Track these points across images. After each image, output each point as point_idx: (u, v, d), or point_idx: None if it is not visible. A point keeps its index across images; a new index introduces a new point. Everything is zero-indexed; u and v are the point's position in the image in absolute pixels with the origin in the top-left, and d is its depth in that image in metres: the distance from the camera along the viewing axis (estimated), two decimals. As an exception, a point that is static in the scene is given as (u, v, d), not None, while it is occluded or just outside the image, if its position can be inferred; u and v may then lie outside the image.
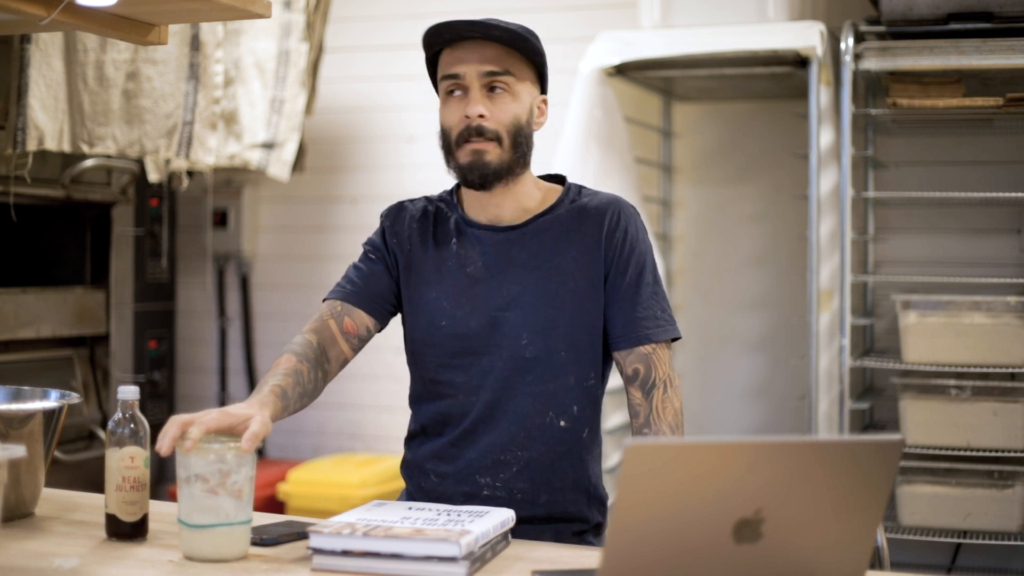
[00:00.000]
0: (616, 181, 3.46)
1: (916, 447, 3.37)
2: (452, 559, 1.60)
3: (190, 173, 4.01)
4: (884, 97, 3.50)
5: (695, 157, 4.12)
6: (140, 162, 3.87)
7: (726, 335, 4.07)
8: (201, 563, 1.66)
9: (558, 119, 3.50)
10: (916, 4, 3.24)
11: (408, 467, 2.10)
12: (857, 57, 3.31)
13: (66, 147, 3.23)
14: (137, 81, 3.37)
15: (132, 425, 1.78)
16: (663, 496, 1.32)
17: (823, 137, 3.38)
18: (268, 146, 3.92)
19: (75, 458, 3.77)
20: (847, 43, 3.29)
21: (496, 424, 1.99)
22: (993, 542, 3.37)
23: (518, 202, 2.04)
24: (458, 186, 2.09)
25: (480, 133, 1.96)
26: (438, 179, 2.15)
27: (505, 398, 1.99)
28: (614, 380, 2.13)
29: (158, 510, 1.91)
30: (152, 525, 1.82)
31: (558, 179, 2.13)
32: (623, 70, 3.57)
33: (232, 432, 1.71)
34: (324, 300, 2.08)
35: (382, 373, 4.20)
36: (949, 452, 3.34)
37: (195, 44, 3.54)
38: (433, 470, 2.03)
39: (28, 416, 1.90)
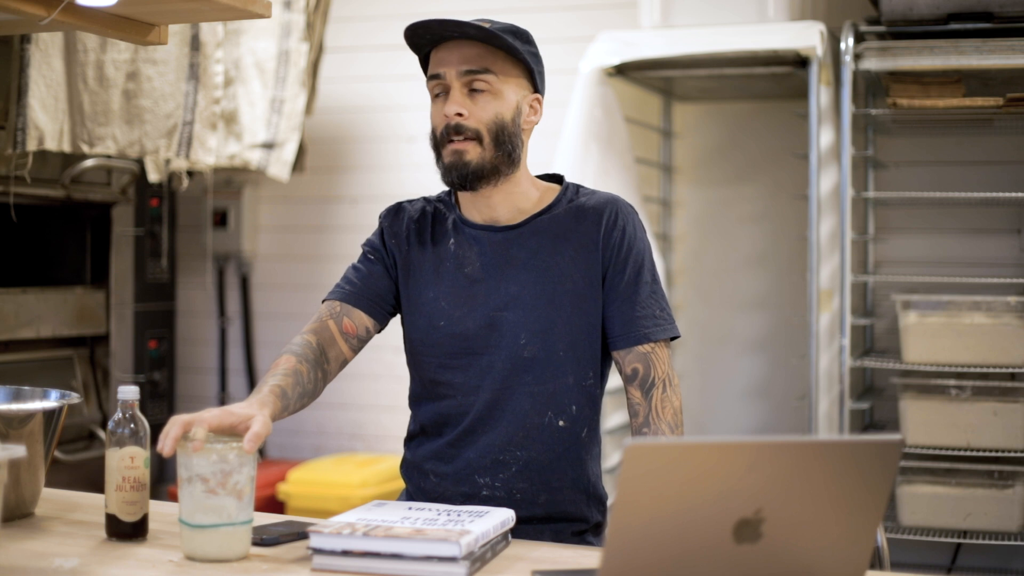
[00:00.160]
0: (616, 181, 3.46)
1: (916, 447, 3.37)
2: (452, 559, 1.60)
3: (190, 173, 4.01)
4: (884, 97, 3.50)
5: (695, 157, 4.12)
6: (140, 162, 3.87)
7: (726, 335, 4.08)
8: (202, 563, 1.66)
9: (558, 119, 3.50)
10: (916, 4, 3.24)
11: (407, 467, 2.10)
12: (857, 57, 3.31)
13: (66, 147, 3.23)
14: (137, 81, 3.37)
15: (132, 425, 1.78)
16: (663, 496, 1.32)
17: (823, 137, 3.38)
18: (268, 146, 3.92)
19: (75, 458, 3.77)
20: (847, 43, 3.29)
21: (495, 424, 1.99)
22: (993, 542, 3.37)
23: (513, 202, 2.04)
24: None
25: (459, 132, 1.96)
26: (438, 179, 2.15)
27: (504, 398, 1.99)
28: (614, 380, 2.13)
29: (158, 510, 1.91)
30: (152, 525, 1.82)
31: (556, 179, 2.13)
32: (623, 70, 3.57)
33: (233, 432, 1.71)
34: (323, 301, 2.08)
35: (382, 373, 4.20)
36: (949, 452, 3.34)
37: (195, 44, 3.54)
38: (432, 470, 2.03)
39: (28, 416, 1.90)
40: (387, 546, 1.62)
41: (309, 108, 4.05)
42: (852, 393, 3.48)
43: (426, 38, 2.00)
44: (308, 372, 1.96)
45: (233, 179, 4.42)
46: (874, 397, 3.73)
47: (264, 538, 1.76)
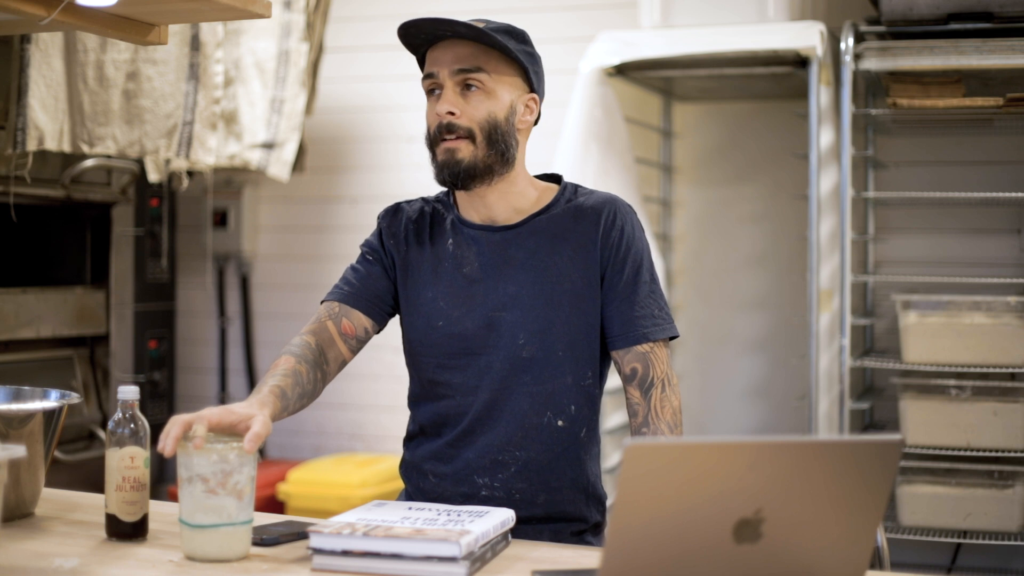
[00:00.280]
0: (616, 181, 3.46)
1: (916, 447, 3.37)
2: (452, 559, 1.60)
3: (190, 173, 4.01)
4: (884, 97, 3.50)
5: (695, 157, 4.12)
6: (140, 162, 3.87)
7: (726, 335, 4.08)
8: (202, 563, 1.66)
9: (558, 119, 3.50)
10: (916, 4, 3.24)
11: (406, 468, 2.10)
12: (857, 57, 3.31)
13: (66, 147, 3.23)
14: (137, 81, 3.37)
15: (132, 425, 1.78)
16: (663, 496, 1.32)
17: (823, 137, 3.38)
18: (268, 146, 3.92)
19: (75, 458, 3.77)
20: (847, 43, 3.29)
21: (494, 424, 1.99)
22: (993, 542, 3.37)
23: (511, 202, 2.04)
24: None
25: (451, 131, 1.96)
26: (436, 179, 2.15)
27: (503, 398, 1.99)
28: (613, 380, 2.13)
29: (158, 510, 1.91)
30: (152, 525, 1.82)
31: (555, 178, 2.13)
32: (623, 70, 3.57)
33: (233, 431, 1.71)
34: (322, 302, 2.08)
35: (382, 373, 4.20)
36: (949, 452, 3.34)
37: (195, 44, 3.54)
38: (431, 471, 2.03)
39: (28, 416, 1.90)
40: (387, 546, 1.62)
41: (309, 108, 4.05)
42: (852, 393, 3.48)
43: (420, 37, 2.00)
44: (307, 373, 1.96)
45: (233, 179, 4.42)
46: (874, 397, 3.73)
47: (264, 538, 1.76)
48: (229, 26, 3.80)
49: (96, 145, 3.30)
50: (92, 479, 3.14)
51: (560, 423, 1.99)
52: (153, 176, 3.83)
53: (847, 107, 3.33)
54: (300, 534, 1.79)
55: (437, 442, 2.04)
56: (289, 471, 4.03)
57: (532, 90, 2.03)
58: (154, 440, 1.72)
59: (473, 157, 1.97)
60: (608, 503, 2.32)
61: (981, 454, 3.32)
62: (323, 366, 2.00)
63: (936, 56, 3.24)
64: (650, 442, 1.36)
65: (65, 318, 3.85)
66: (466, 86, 1.97)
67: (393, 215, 2.11)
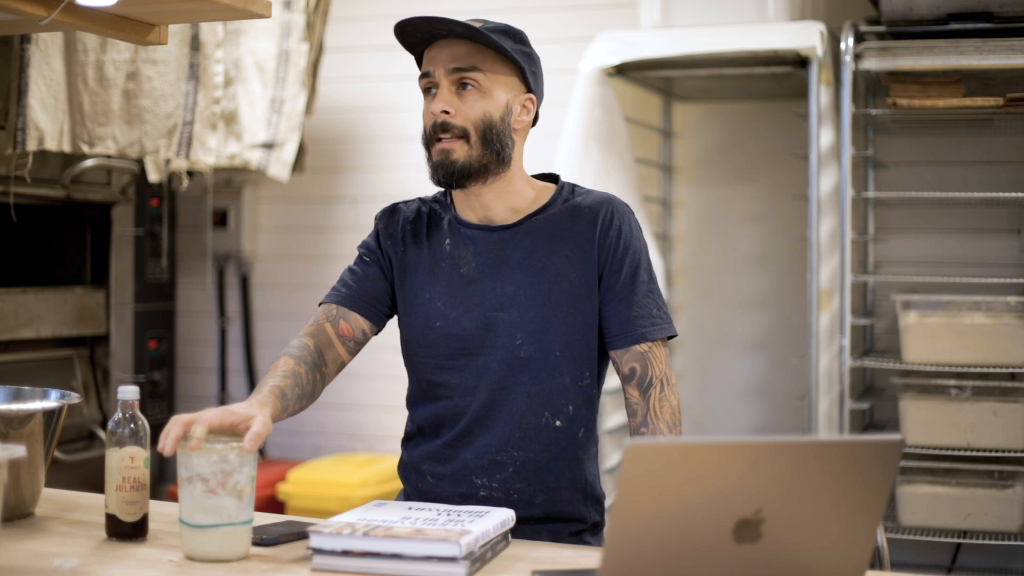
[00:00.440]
0: (616, 181, 3.46)
1: (916, 447, 3.37)
2: (452, 559, 1.60)
3: (190, 173, 4.01)
4: (884, 97, 3.50)
5: (695, 157, 4.12)
6: (140, 162, 3.87)
7: (726, 335, 4.08)
8: (202, 563, 1.66)
9: (558, 119, 3.50)
10: (916, 4, 3.24)
11: (405, 468, 2.10)
12: (857, 57, 3.31)
13: (66, 147, 3.23)
14: (137, 81, 3.37)
15: (132, 425, 1.78)
16: (663, 496, 1.32)
17: (823, 137, 3.38)
18: (268, 146, 3.92)
19: (75, 458, 3.77)
20: (847, 43, 3.29)
21: (492, 425, 1.99)
22: (993, 542, 3.37)
23: (508, 201, 2.04)
24: None
25: (445, 129, 1.96)
26: (436, 179, 2.15)
27: (501, 398, 1.99)
28: (612, 380, 2.13)
29: (158, 510, 1.91)
30: (152, 525, 1.82)
31: (552, 178, 2.13)
32: (623, 70, 3.57)
33: (233, 431, 1.71)
34: (320, 304, 2.08)
35: (382, 373, 4.20)
36: (949, 452, 3.34)
37: (195, 44, 3.54)
38: (429, 471, 2.03)
39: (28, 416, 1.90)
40: (387, 546, 1.62)
41: (309, 108, 4.05)
42: (852, 393, 3.48)
43: (417, 36, 2.00)
44: (306, 374, 1.96)
45: (233, 179, 4.42)
46: (874, 397, 3.73)
47: (264, 538, 1.76)
48: (229, 26, 3.80)
49: (96, 145, 3.30)
50: (92, 479, 3.14)
51: (558, 423, 1.99)
52: (153, 176, 3.83)
53: (847, 107, 3.33)
54: (300, 534, 1.79)
55: (435, 442, 2.04)
56: (289, 471, 4.03)
57: (529, 90, 2.03)
58: (154, 440, 1.72)
59: (468, 157, 1.96)
60: (608, 503, 2.32)
61: (981, 454, 3.32)
62: (322, 368, 2.00)
63: (936, 56, 3.24)
64: (650, 442, 1.36)
65: (65, 318, 3.85)
66: (462, 85, 1.97)
67: (390, 216, 2.11)
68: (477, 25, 1.94)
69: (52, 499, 2.03)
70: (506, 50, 1.96)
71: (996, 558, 3.65)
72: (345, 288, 2.07)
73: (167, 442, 1.64)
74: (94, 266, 4.07)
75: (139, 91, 3.38)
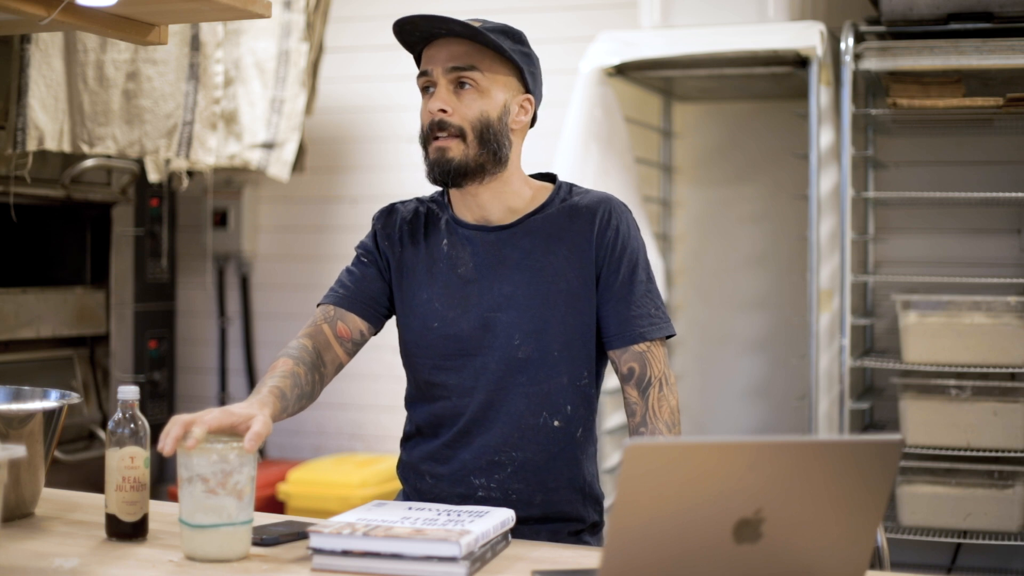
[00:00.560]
0: (616, 181, 3.46)
1: (916, 447, 3.37)
2: (452, 559, 1.60)
3: (190, 173, 4.01)
4: (884, 97, 3.50)
5: (695, 157, 4.12)
6: (140, 162, 3.87)
7: (726, 335, 4.08)
8: (202, 563, 1.66)
9: (558, 119, 3.50)
10: (916, 4, 3.24)
11: (404, 468, 2.10)
12: (857, 57, 3.31)
13: (66, 147, 3.23)
14: (137, 81, 3.37)
15: (132, 425, 1.78)
16: (663, 496, 1.32)
17: (823, 137, 3.38)
18: (268, 146, 3.92)
19: (75, 458, 3.77)
20: (847, 43, 3.29)
21: (490, 425, 1.99)
22: (993, 542, 3.37)
23: (505, 201, 2.03)
24: None
25: (442, 128, 1.96)
26: (435, 179, 2.14)
27: (499, 399, 1.99)
28: (612, 380, 2.13)
29: (158, 510, 1.91)
30: (152, 525, 1.82)
31: (550, 178, 2.12)
32: (623, 70, 3.57)
33: (233, 431, 1.71)
34: (318, 305, 2.08)
35: (382, 373, 4.20)
36: (949, 452, 3.34)
37: (195, 44, 3.54)
38: (428, 471, 2.03)
39: (28, 416, 1.90)
40: (387, 546, 1.62)
41: (309, 108, 4.05)
42: (852, 393, 3.48)
43: (416, 35, 2.00)
44: (305, 375, 1.96)
45: (233, 179, 4.42)
46: (874, 397, 3.73)
47: (264, 538, 1.76)
48: (229, 26, 3.80)
49: (96, 145, 3.30)
50: (92, 479, 3.14)
51: (556, 423, 1.99)
52: (153, 176, 3.83)
53: (847, 107, 3.33)
54: (300, 534, 1.79)
55: (434, 443, 2.03)
56: (289, 471, 4.03)
57: (527, 91, 2.03)
58: (154, 440, 1.72)
59: (464, 156, 1.96)
60: (608, 503, 2.33)
61: (981, 454, 3.32)
62: (320, 368, 2.00)
63: (936, 56, 3.24)
64: (650, 442, 1.36)
65: (65, 318, 3.85)
66: (459, 84, 1.97)
67: (387, 216, 2.11)
68: (476, 25, 1.94)
69: (52, 499, 2.03)
70: (505, 50, 1.96)
71: (996, 558, 3.65)
72: (343, 289, 2.07)
73: (167, 442, 1.64)
74: (94, 266, 4.07)
75: (139, 91, 3.38)
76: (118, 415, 1.79)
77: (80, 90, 3.23)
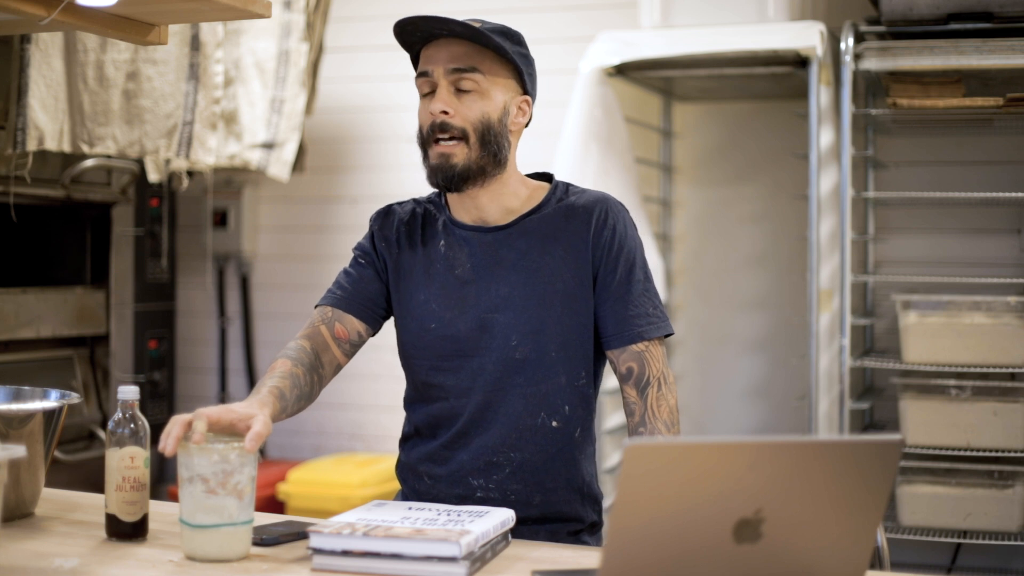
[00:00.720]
0: (616, 181, 3.46)
1: (916, 447, 3.37)
2: (452, 559, 1.60)
3: (190, 173, 4.01)
4: (884, 97, 3.50)
5: (695, 157, 4.12)
6: (140, 162, 3.87)
7: (726, 335, 4.08)
8: (202, 563, 1.66)
9: (558, 119, 3.50)
10: (916, 4, 3.24)
11: (402, 469, 2.10)
12: (857, 57, 3.31)
13: (66, 147, 3.23)
14: (137, 81, 3.37)
15: (132, 425, 1.78)
16: (663, 496, 1.32)
17: (823, 137, 3.38)
18: (268, 146, 3.92)
19: (75, 458, 3.77)
20: (847, 43, 3.29)
21: (488, 426, 1.99)
22: (993, 542, 3.37)
23: (502, 202, 2.03)
24: None
25: (444, 130, 1.96)
26: (433, 179, 2.14)
27: (496, 400, 1.99)
28: (611, 380, 2.13)
29: (158, 510, 1.91)
30: (152, 525, 1.82)
31: (547, 177, 2.12)
32: (623, 70, 3.57)
33: (233, 430, 1.71)
34: (316, 307, 2.08)
35: (382, 373, 4.20)
36: (949, 452, 3.34)
37: (195, 44, 3.54)
38: (426, 472, 2.03)
39: (28, 416, 1.90)
40: (387, 546, 1.62)
41: (309, 108, 4.05)
42: (852, 393, 3.48)
43: (416, 35, 1.99)
44: (304, 375, 1.96)
45: (233, 179, 4.42)
46: (874, 397, 3.73)
47: (264, 538, 1.76)
48: (229, 26, 3.80)
49: (96, 145, 3.30)
50: (92, 479, 3.14)
51: (554, 424, 1.99)
52: (153, 176, 3.83)
53: (847, 107, 3.33)
54: (300, 534, 1.79)
55: (432, 444, 2.03)
56: (289, 471, 4.03)
57: (525, 92, 2.03)
58: (154, 440, 1.72)
59: (467, 160, 1.96)
60: (607, 503, 2.33)
61: (981, 454, 3.32)
62: (319, 369, 2.00)
63: (936, 56, 3.24)
64: (650, 442, 1.36)
65: (65, 318, 3.85)
66: (460, 86, 1.96)
67: (385, 217, 2.11)
68: (476, 25, 1.93)
69: (52, 499, 2.03)
70: (506, 51, 1.95)
71: (996, 558, 3.65)
72: (340, 290, 2.06)
73: (168, 442, 1.64)
74: (94, 266, 4.07)
75: (139, 91, 3.38)
76: (118, 415, 1.79)
77: (80, 90, 3.23)
